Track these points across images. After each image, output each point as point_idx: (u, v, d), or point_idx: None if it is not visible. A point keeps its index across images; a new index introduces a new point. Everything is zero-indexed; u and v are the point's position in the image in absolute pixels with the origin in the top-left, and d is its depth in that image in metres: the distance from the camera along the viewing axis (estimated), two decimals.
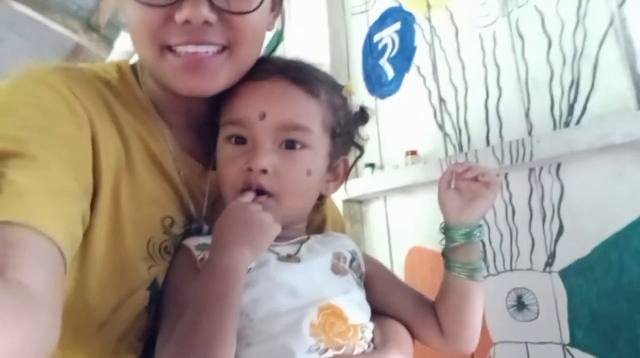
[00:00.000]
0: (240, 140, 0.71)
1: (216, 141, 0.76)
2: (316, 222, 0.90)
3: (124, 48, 3.04)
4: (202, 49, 0.67)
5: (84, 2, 3.53)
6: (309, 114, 0.71)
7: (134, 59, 0.79)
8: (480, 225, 0.75)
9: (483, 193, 0.73)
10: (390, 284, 0.82)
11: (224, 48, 0.69)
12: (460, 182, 0.75)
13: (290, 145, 0.70)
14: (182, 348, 0.55)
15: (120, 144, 0.69)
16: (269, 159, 0.68)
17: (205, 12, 0.63)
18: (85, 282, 0.64)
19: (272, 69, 0.73)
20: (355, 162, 0.85)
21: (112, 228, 0.66)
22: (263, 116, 0.69)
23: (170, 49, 0.67)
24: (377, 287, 0.78)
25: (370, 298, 0.75)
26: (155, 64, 0.69)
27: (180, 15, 0.63)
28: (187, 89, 0.69)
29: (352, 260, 0.76)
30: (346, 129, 0.78)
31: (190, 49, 0.66)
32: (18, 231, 0.46)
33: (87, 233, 0.62)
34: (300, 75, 0.73)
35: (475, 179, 0.74)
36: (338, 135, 0.76)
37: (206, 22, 0.65)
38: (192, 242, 0.71)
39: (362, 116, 0.82)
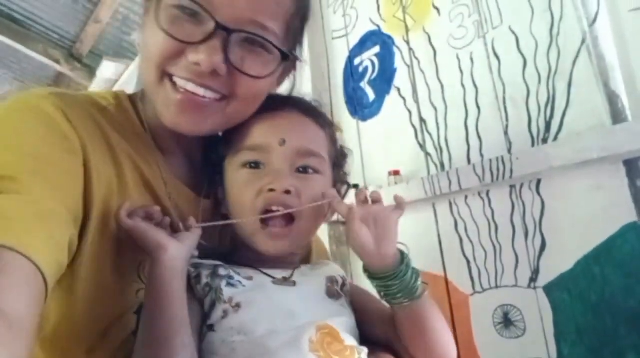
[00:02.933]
0: (254, 166, 0.74)
1: (213, 171, 0.79)
2: (302, 253, 0.90)
3: (105, 76, 3.04)
4: (201, 91, 0.68)
5: (66, 33, 3.55)
6: (320, 143, 0.77)
7: (117, 88, 0.79)
8: (403, 260, 0.72)
9: (388, 213, 0.75)
10: (375, 311, 0.82)
11: (222, 97, 0.70)
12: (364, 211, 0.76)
13: (303, 170, 0.74)
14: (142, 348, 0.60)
15: (112, 169, 0.69)
16: (291, 181, 0.72)
17: (217, 62, 0.65)
18: (73, 307, 0.63)
19: (284, 101, 0.78)
20: (346, 192, 0.87)
21: (102, 253, 0.65)
22: (283, 142, 0.73)
23: (171, 78, 0.68)
24: (364, 315, 0.79)
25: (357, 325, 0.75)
26: (154, 89, 0.70)
27: (193, 56, 0.65)
28: (172, 123, 0.70)
29: (344, 284, 0.78)
30: (341, 160, 0.84)
31: (190, 87, 0.67)
32: (4, 255, 0.45)
33: (76, 258, 0.61)
34: (310, 108, 0.79)
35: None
36: (336, 165, 0.82)
37: (214, 72, 0.66)
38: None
39: (344, 153, 0.87)
